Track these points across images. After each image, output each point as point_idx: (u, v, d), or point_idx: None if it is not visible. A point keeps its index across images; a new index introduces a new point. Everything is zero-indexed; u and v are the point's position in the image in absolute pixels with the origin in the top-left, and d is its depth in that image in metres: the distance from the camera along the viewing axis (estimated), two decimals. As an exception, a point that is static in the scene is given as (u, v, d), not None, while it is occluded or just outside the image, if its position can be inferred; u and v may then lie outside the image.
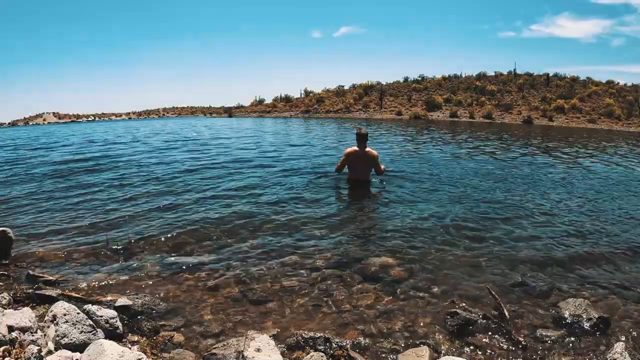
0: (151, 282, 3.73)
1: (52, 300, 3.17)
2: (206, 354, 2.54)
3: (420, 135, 18.55)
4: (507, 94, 37.07)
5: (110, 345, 2.28)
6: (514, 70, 41.51)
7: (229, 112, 49.78)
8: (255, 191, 7.15)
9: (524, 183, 8.02)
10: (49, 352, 2.33)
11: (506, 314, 3.13)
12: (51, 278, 3.69)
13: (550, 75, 39.76)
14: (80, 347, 2.42)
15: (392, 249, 4.50)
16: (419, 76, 44.38)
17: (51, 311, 2.66)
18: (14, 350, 2.27)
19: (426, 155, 11.75)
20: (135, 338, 2.83)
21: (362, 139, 7.11)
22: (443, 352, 2.74)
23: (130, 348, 2.54)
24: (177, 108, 70.49)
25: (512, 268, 4.05)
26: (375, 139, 15.72)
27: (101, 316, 2.76)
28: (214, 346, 2.60)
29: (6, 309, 2.84)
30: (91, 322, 2.63)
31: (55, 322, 2.55)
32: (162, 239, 4.81)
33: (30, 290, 3.37)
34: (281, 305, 3.34)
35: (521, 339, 2.87)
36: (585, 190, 7.47)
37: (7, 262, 4.11)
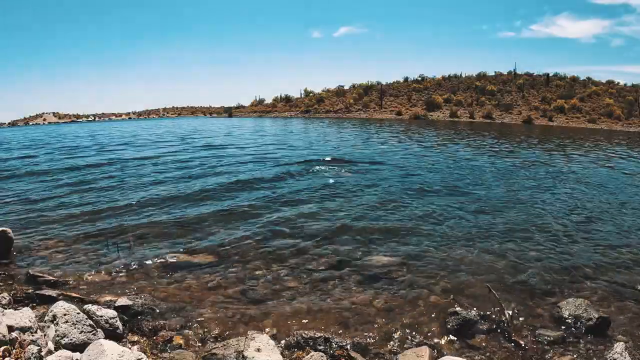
0: (151, 282, 3.73)
1: (52, 300, 3.17)
2: (206, 353, 2.53)
3: (421, 136, 18.55)
4: (507, 94, 37.08)
5: (110, 345, 2.28)
6: (514, 70, 41.62)
7: (229, 112, 49.82)
8: (255, 192, 7.14)
9: (524, 183, 8.01)
10: (49, 352, 2.33)
11: (506, 313, 3.13)
12: (51, 278, 3.69)
13: (550, 75, 39.81)
14: (80, 347, 2.42)
15: (391, 248, 4.50)
16: (419, 76, 44.52)
17: (51, 311, 2.66)
18: (14, 350, 2.27)
19: (425, 156, 11.75)
20: (135, 338, 2.83)
21: None
22: (443, 352, 2.74)
23: (130, 348, 2.54)
24: (177, 108, 70.54)
25: (513, 268, 4.05)
26: (376, 138, 15.70)
27: (101, 316, 2.76)
28: (214, 346, 2.60)
29: (6, 309, 2.83)
30: (91, 322, 2.63)
31: (55, 322, 2.55)
32: (163, 239, 4.81)
33: (30, 290, 3.37)
34: (281, 305, 3.34)
35: (521, 340, 2.87)
36: (585, 190, 7.46)
37: (7, 262, 4.11)
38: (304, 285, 3.68)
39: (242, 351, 2.42)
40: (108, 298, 3.30)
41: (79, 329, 2.53)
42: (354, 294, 3.53)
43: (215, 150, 13.12)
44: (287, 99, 47.08)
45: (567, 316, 3.09)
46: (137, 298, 3.27)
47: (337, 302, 3.39)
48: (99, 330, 2.64)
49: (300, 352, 2.65)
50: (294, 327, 3.02)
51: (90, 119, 58.35)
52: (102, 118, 59.21)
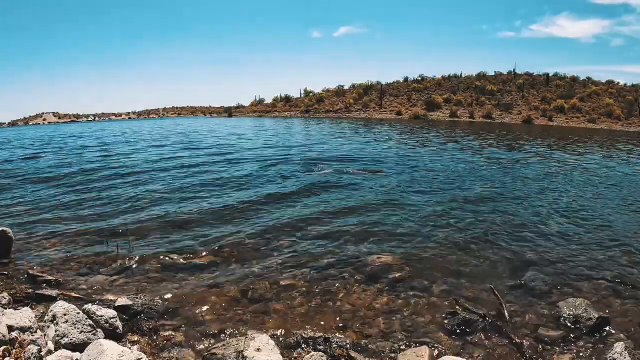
0: (151, 282, 3.73)
1: (52, 300, 3.17)
2: (206, 353, 2.53)
3: (421, 135, 18.55)
4: (507, 94, 37.07)
5: (110, 345, 2.28)
6: (514, 70, 41.58)
7: (229, 112, 49.82)
8: (255, 192, 7.14)
9: (524, 184, 8.01)
10: (49, 352, 2.33)
11: (506, 313, 3.13)
12: (51, 278, 3.69)
13: (550, 75, 39.76)
14: (80, 347, 2.42)
15: (392, 248, 4.50)
16: (419, 76, 44.49)
17: (51, 311, 2.66)
18: (14, 350, 2.27)
19: (427, 156, 11.75)
20: (135, 338, 2.83)
21: None
22: (443, 352, 2.74)
23: (130, 348, 2.54)
24: (177, 108, 70.54)
25: (513, 268, 4.05)
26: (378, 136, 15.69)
27: (101, 316, 2.76)
28: (214, 346, 2.60)
29: (6, 309, 2.84)
30: (91, 322, 2.63)
31: (55, 322, 2.55)
32: (162, 239, 4.81)
33: (30, 290, 3.38)
34: (281, 305, 3.34)
35: (521, 340, 2.87)
36: (585, 191, 7.46)
37: (7, 262, 4.11)
38: (304, 285, 3.68)
39: (242, 351, 2.42)
40: (108, 298, 3.30)
41: (79, 329, 2.53)
42: (355, 293, 3.53)
43: (218, 151, 13.12)
44: (287, 99, 47.09)
45: (567, 316, 3.09)
46: (137, 298, 3.27)
47: (337, 302, 3.39)
48: (99, 330, 2.64)
49: (301, 352, 2.65)
50: (294, 327, 3.02)
51: (90, 119, 58.35)
52: (102, 118, 59.21)
